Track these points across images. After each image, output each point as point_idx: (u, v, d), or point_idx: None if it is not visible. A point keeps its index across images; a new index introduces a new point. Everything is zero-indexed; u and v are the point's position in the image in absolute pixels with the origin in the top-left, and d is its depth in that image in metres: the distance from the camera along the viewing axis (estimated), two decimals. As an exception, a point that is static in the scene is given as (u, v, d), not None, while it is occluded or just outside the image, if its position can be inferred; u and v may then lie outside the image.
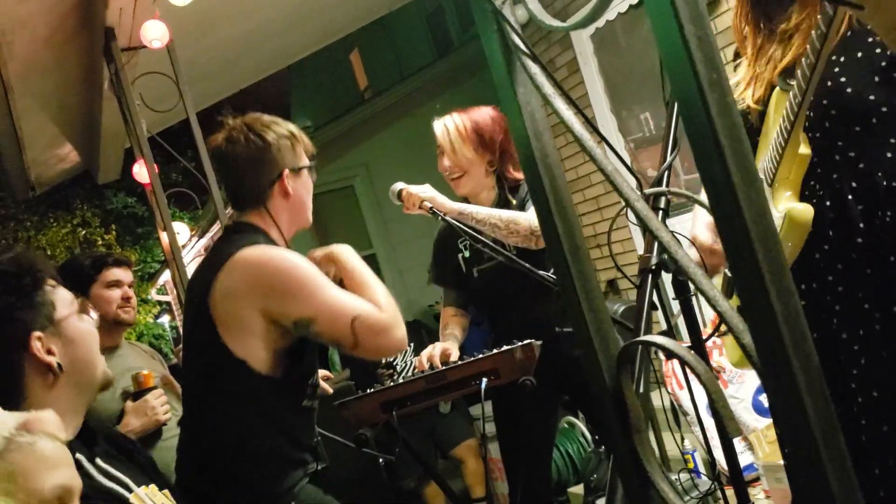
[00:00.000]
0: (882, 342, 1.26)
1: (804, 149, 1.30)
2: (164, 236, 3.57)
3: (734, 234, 0.64)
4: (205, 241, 11.45)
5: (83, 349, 1.49)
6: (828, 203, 1.31)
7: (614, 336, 0.88)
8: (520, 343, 2.21)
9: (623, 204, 1.29)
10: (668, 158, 1.30)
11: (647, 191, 1.21)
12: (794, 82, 1.26)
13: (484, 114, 2.65)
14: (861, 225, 1.28)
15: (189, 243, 9.51)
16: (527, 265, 2.25)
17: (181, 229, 3.89)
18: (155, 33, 3.33)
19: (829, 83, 1.27)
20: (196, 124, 3.63)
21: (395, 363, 5.78)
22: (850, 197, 1.29)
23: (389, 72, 11.79)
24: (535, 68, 0.85)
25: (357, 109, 9.26)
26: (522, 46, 0.86)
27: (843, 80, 1.25)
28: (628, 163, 1.03)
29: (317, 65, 13.14)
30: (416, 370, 2.43)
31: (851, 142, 1.28)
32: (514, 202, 2.66)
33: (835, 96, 1.28)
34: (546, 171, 0.90)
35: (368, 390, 2.21)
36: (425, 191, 2.52)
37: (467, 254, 2.74)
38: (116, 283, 2.70)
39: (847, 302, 1.30)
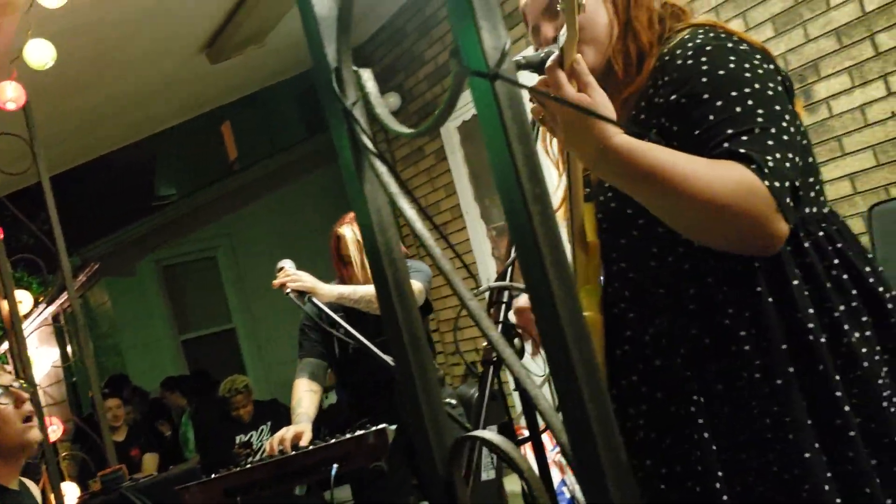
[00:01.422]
0: (655, 447, 1.29)
1: (590, 235, 1.32)
2: (3, 305, 3.37)
3: (552, 336, 0.69)
4: (53, 308, 10.81)
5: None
6: (613, 311, 1.34)
7: (449, 427, 0.91)
8: (374, 427, 2.21)
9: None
10: (513, 254, 1.36)
11: (491, 285, 1.26)
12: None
13: None
14: (628, 333, 1.32)
15: (34, 312, 8.96)
16: (376, 349, 2.16)
17: (24, 297, 3.67)
18: (10, 94, 3.21)
19: (602, 198, 1.33)
20: (48, 188, 3.49)
21: (250, 441, 5.60)
22: (622, 306, 1.33)
23: (260, 146, 11.73)
24: (382, 167, 0.89)
25: (224, 180, 9.13)
26: (370, 146, 0.89)
27: (609, 194, 1.30)
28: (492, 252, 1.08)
29: (186, 133, 12.90)
30: (265, 455, 2.37)
31: (622, 253, 1.33)
32: None
33: (605, 210, 1.33)
34: (389, 264, 0.93)
35: (213, 475, 2.14)
36: (306, 280, 2.47)
37: (341, 331, 2.74)
38: None
39: (623, 408, 1.34)
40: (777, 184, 1.10)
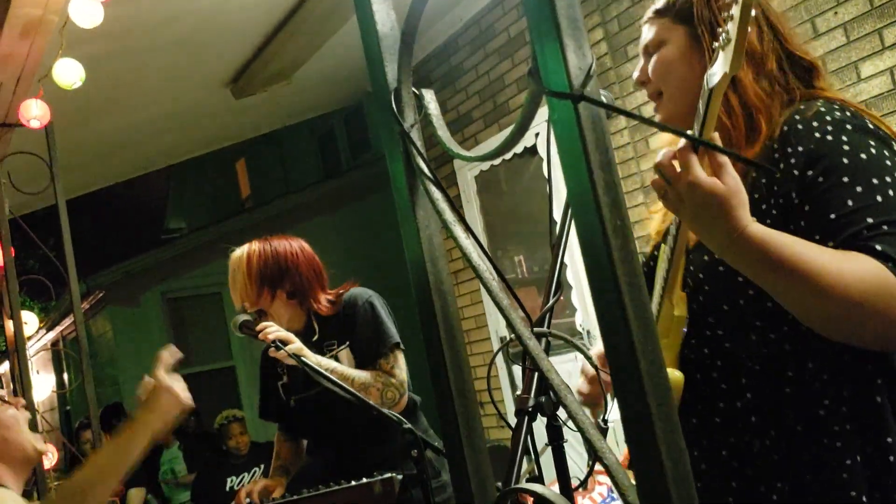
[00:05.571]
0: None
1: (680, 310, 1.28)
2: (9, 325, 3.30)
3: (627, 386, 0.63)
4: (53, 334, 10.73)
5: (12, 432, 1.83)
6: (698, 377, 1.30)
7: (492, 480, 0.84)
8: (379, 476, 2.11)
9: (495, 342, 1.28)
10: (551, 300, 1.30)
11: (534, 330, 1.20)
12: (668, 237, 1.27)
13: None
14: (721, 405, 1.28)
15: (35, 336, 8.89)
16: (371, 402, 1.99)
17: (29, 319, 3.61)
18: (35, 112, 3.19)
19: (706, 257, 1.27)
20: (64, 212, 3.45)
21: (243, 485, 5.46)
22: (714, 375, 1.29)
23: (274, 185, 11.76)
24: (437, 193, 0.84)
25: (235, 217, 9.12)
26: (427, 171, 0.84)
27: (717, 256, 1.22)
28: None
29: (200, 168, 12.99)
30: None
31: (719, 320, 1.27)
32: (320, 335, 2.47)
33: (708, 272, 1.27)
34: (439, 297, 0.87)
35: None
36: (293, 342, 2.27)
37: (285, 379, 2.54)
38: None
39: (708, 479, 1.31)
40: None
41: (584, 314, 4.80)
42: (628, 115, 0.63)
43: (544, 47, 0.68)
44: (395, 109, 0.88)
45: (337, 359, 2.40)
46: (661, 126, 0.77)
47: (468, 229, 0.86)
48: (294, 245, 2.55)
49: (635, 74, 1.33)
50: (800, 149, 1.18)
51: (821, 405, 1.18)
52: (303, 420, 2.52)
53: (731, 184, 1.07)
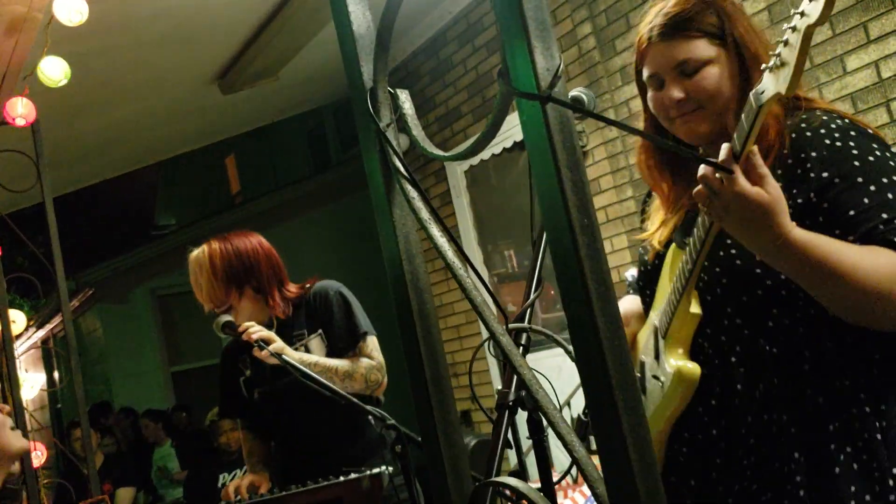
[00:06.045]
0: (754, 499, 1.34)
1: (695, 308, 1.39)
2: (-4, 323, 3.30)
3: (595, 377, 0.64)
4: (43, 332, 10.70)
5: None
6: (715, 362, 1.39)
7: (468, 473, 0.86)
8: (368, 472, 2.12)
9: (485, 336, 1.30)
10: (532, 296, 1.32)
11: (511, 326, 1.21)
12: (690, 241, 1.35)
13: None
14: (739, 387, 1.37)
15: (24, 334, 8.86)
16: (354, 399, 1.99)
17: (17, 317, 3.60)
18: (20, 110, 3.18)
19: (721, 252, 1.37)
20: (51, 209, 3.44)
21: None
22: (733, 360, 1.38)
23: (264, 180, 11.74)
24: (413, 192, 0.85)
25: (225, 213, 9.10)
26: (403, 170, 0.86)
27: (733, 251, 1.36)
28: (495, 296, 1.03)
29: (189, 164, 12.95)
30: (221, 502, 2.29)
31: (738, 309, 1.37)
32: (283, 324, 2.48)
33: (725, 265, 1.38)
34: (416, 295, 0.88)
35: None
36: (275, 341, 2.29)
37: (248, 373, 2.52)
38: None
39: (726, 456, 1.39)
40: None
41: (573, 308, 4.82)
42: (595, 116, 0.65)
43: (513, 49, 0.69)
44: (371, 109, 0.89)
45: (307, 348, 2.42)
46: (632, 130, 0.79)
47: (444, 227, 0.87)
48: (253, 240, 2.53)
49: (679, 94, 1.40)
50: (813, 154, 1.30)
51: (844, 378, 1.29)
52: (267, 413, 2.51)
53: (774, 193, 1.17)
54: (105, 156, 5.87)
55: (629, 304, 1.68)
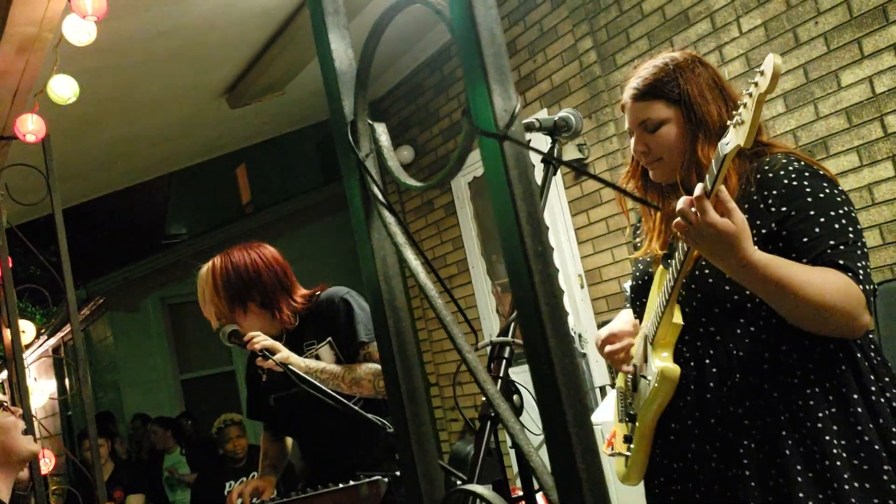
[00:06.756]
0: (716, 477, 1.57)
1: (677, 318, 1.63)
2: (6, 333, 3.37)
3: (547, 395, 0.70)
4: (54, 341, 10.81)
5: (9, 436, 1.99)
6: (692, 364, 1.64)
7: (441, 482, 0.91)
8: (366, 478, 2.17)
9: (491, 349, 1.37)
10: (517, 310, 1.37)
11: (492, 340, 1.27)
12: (672, 262, 1.59)
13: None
14: (711, 384, 1.60)
15: (35, 343, 8.96)
16: (355, 407, 2.02)
17: (27, 327, 3.68)
18: (31, 126, 3.27)
19: (697, 272, 1.64)
20: (61, 222, 3.52)
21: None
22: (707, 361, 1.62)
23: (274, 190, 11.84)
24: (390, 218, 0.91)
25: (236, 222, 9.19)
26: (380, 196, 0.92)
27: (707, 271, 1.61)
28: (495, 307, 1.09)
29: (200, 175, 13.06)
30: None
31: (711, 319, 1.62)
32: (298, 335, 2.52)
33: (700, 283, 1.63)
34: (392, 314, 0.94)
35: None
36: (280, 351, 2.33)
37: (265, 378, 2.61)
38: None
39: (700, 442, 1.61)
40: (867, 287, 1.46)
41: (576, 319, 4.87)
42: (562, 163, 0.71)
43: (475, 91, 0.76)
44: (352, 140, 0.96)
45: (318, 357, 2.46)
46: (594, 176, 0.86)
47: (419, 251, 0.93)
48: (252, 254, 2.51)
49: (638, 148, 1.68)
50: (774, 192, 1.56)
51: (794, 376, 1.53)
52: (283, 418, 2.59)
53: (739, 223, 1.40)
54: (115, 169, 5.96)
55: (628, 316, 1.89)
